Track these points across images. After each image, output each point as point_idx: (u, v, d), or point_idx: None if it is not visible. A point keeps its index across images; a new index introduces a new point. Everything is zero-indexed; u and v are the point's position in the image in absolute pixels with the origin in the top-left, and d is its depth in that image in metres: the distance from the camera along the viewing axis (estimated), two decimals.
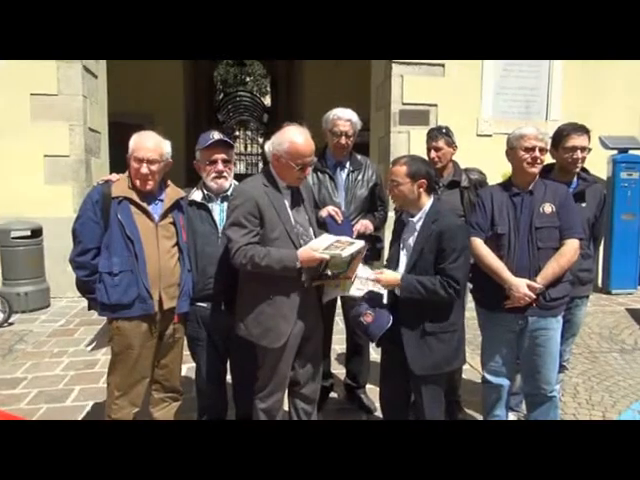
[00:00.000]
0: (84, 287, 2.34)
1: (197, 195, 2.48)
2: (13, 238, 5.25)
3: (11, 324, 4.86)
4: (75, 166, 5.81)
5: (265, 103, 22.20)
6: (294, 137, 2.21)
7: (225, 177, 2.43)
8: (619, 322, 5.09)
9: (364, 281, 2.30)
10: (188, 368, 3.11)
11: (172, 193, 2.42)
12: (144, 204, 2.32)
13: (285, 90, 16.14)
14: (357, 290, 2.28)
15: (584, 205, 2.63)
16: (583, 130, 2.65)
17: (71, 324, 4.92)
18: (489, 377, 2.55)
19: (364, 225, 2.88)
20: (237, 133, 26.50)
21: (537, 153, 2.37)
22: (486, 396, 2.61)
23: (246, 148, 26.11)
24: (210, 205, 2.46)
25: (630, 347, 4.39)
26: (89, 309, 2.44)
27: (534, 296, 2.31)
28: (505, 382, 2.53)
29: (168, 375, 2.49)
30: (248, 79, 25.23)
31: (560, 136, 2.68)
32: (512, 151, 2.45)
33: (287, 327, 2.24)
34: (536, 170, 2.40)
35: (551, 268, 2.33)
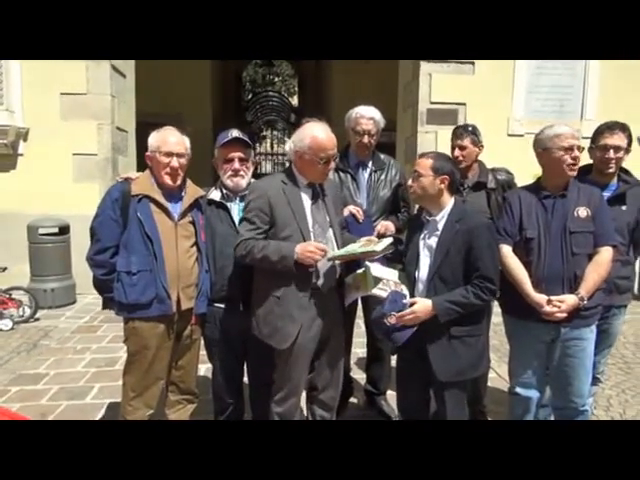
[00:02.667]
0: (101, 286, 2.33)
1: (216, 194, 2.44)
2: (41, 235, 5.34)
3: (37, 320, 4.95)
4: (102, 164, 5.89)
5: (293, 103, 22.25)
6: (315, 131, 2.17)
7: (242, 176, 2.39)
8: None
9: (386, 282, 2.22)
10: (206, 368, 3.07)
11: (192, 191, 2.39)
12: (164, 201, 2.28)
13: (313, 90, 16.11)
14: (380, 290, 2.20)
15: (624, 208, 2.48)
16: (619, 128, 2.48)
17: (95, 321, 4.98)
18: (518, 389, 2.42)
19: (384, 226, 2.79)
20: (265, 133, 26.63)
21: (577, 152, 2.21)
22: (513, 408, 2.49)
23: (273, 147, 26.19)
24: (229, 204, 2.41)
25: None
26: (103, 308, 2.42)
27: (563, 315, 2.19)
28: (535, 394, 2.40)
29: (184, 377, 2.46)
30: (276, 79, 25.31)
31: (596, 134, 2.54)
32: (546, 152, 2.28)
33: (294, 328, 2.18)
34: (575, 173, 2.26)
35: (592, 280, 2.19)
